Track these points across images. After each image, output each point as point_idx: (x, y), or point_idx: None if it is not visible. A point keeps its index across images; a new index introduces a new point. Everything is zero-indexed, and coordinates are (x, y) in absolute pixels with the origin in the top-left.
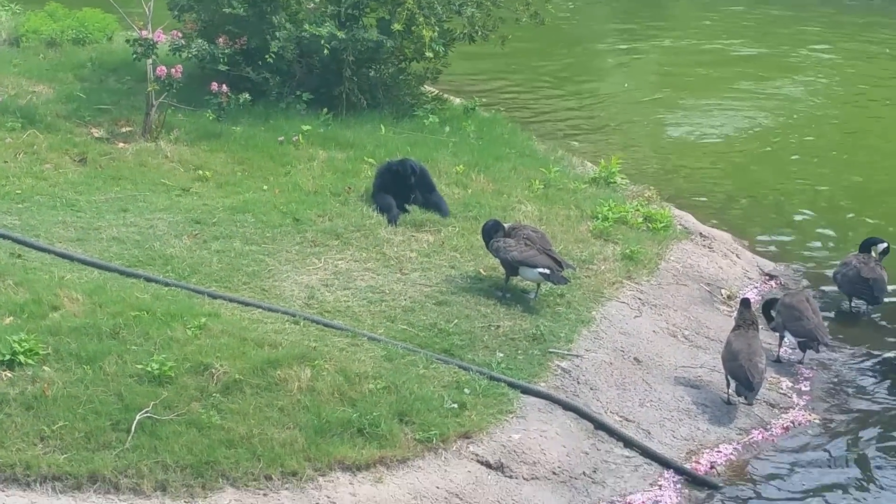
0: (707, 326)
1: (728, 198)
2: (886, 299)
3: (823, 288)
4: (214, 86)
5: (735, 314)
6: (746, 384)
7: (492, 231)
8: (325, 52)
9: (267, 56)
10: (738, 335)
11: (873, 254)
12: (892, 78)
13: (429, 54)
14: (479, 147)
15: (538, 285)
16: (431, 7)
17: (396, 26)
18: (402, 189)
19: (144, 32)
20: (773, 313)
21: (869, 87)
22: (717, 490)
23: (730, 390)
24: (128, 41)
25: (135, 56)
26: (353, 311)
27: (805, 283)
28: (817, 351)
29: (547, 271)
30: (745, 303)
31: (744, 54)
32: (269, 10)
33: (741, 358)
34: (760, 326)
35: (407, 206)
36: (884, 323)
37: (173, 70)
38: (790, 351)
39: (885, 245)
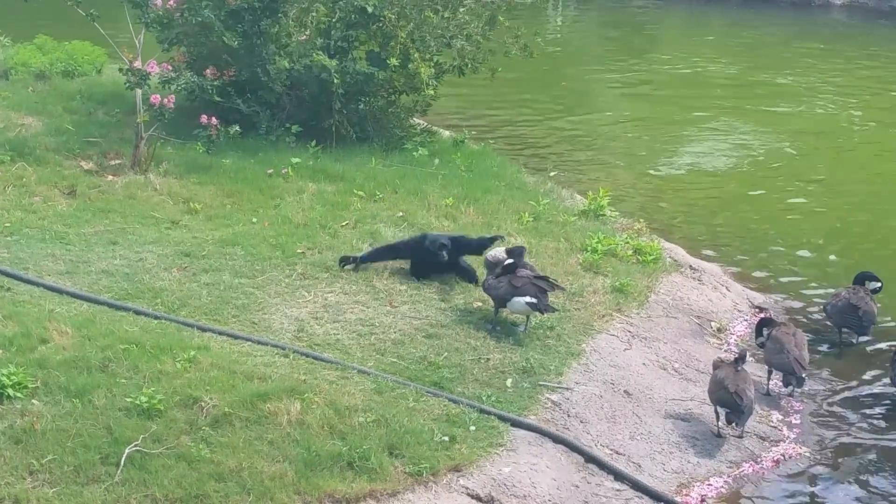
0: (697, 359)
1: (718, 229)
2: (876, 330)
3: (813, 319)
4: (204, 118)
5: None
6: (735, 407)
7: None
8: (335, 81)
9: (269, 80)
10: (722, 367)
11: (866, 286)
12: (887, 109)
13: (429, 91)
14: (468, 180)
15: (527, 317)
16: (424, 40)
17: (392, 61)
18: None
19: (136, 63)
20: (763, 339)
21: (863, 116)
22: None
23: (719, 423)
24: (121, 70)
25: (127, 86)
26: (343, 344)
27: (796, 314)
28: (798, 385)
29: (534, 300)
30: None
31: (733, 83)
32: (259, 43)
33: (728, 384)
34: (749, 359)
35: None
36: (873, 354)
37: (166, 100)
38: (780, 384)
39: (878, 284)
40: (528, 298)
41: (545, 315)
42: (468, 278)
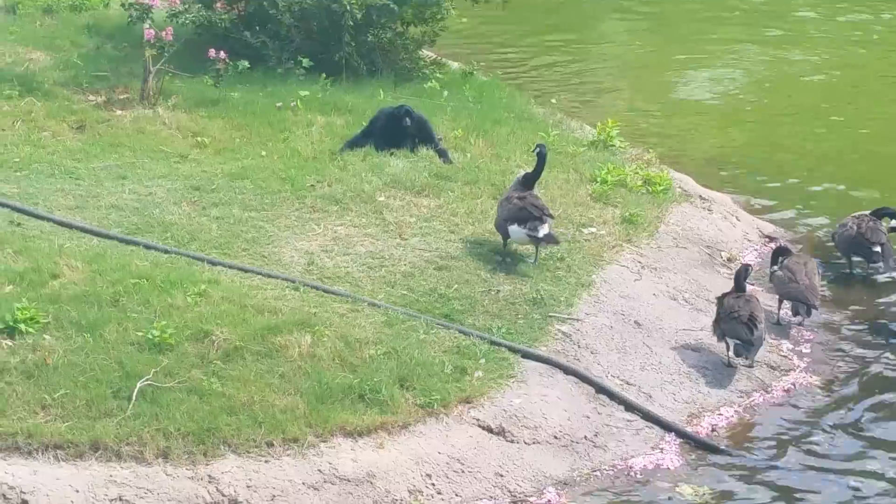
0: (707, 289)
1: (728, 160)
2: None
3: (824, 247)
4: (212, 52)
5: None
6: (745, 338)
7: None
8: (349, 8)
9: (278, 13)
10: (732, 297)
11: (884, 222)
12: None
13: (453, 11)
14: (477, 111)
15: (536, 248)
16: None
17: None
18: (397, 136)
19: None
20: (777, 267)
21: (871, 48)
22: (719, 453)
23: (729, 353)
24: (123, 5)
25: (130, 20)
26: (353, 277)
27: (807, 243)
28: (807, 314)
29: (530, 231)
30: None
31: (745, 13)
32: None
33: (739, 313)
34: (761, 290)
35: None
36: (884, 283)
37: (164, 33)
38: (791, 313)
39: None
40: (525, 229)
41: (543, 246)
42: (444, 158)
